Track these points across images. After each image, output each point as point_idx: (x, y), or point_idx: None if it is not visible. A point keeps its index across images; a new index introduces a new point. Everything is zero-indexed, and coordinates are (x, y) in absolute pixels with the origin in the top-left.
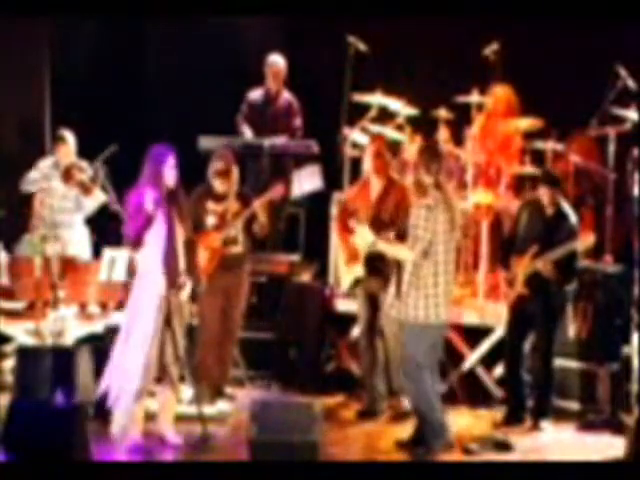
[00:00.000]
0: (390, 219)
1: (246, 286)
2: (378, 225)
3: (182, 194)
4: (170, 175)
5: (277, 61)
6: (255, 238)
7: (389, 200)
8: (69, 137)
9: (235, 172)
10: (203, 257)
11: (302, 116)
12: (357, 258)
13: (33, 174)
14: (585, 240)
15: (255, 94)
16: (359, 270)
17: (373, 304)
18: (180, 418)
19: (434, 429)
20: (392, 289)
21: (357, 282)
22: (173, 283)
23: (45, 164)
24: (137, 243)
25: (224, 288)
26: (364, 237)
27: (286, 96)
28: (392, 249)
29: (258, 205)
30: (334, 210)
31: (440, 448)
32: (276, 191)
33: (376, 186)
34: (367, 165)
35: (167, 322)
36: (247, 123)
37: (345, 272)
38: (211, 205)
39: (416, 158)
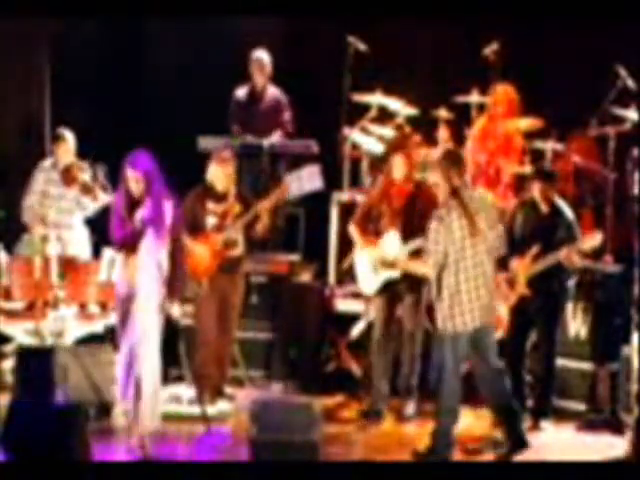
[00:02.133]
0: (422, 221)
1: (242, 287)
2: (409, 231)
3: (162, 202)
4: (132, 185)
5: (261, 56)
6: (254, 240)
7: (419, 202)
8: (68, 136)
9: (234, 170)
10: (204, 259)
11: (291, 109)
12: (392, 262)
13: (30, 200)
14: (592, 239)
15: (241, 92)
16: (394, 273)
17: (396, 305)
18: (180, 418)
19: (443, 435)
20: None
21: (387, 284)
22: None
23: (43, 167)
24: (119, 250)
25: (221, 290)
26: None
27: (272, 91)
28: (412, 266)
29: (263, 207)
30: (334, 211)
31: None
32: (280, 193)
33: (403, 188)
34: (399, 167)
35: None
36: (236, 121)
37: (372, 275)
38: (211, 205)
39: (436, 164)
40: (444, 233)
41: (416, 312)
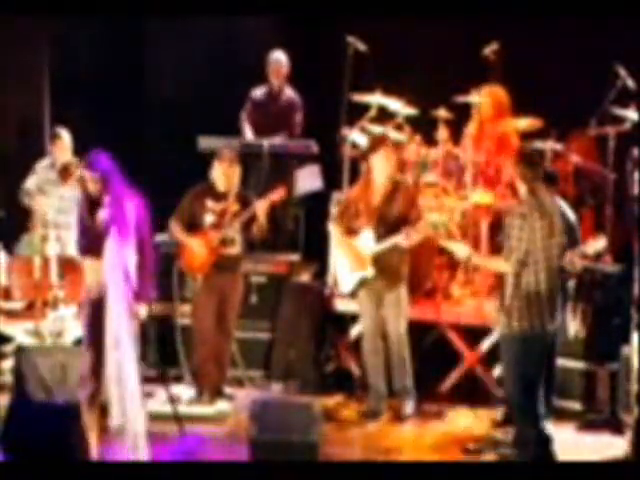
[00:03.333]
0: (397, 221)
1: (241, 287)
2: (384, 227)
3: (122, 202)
4: (90, 186)
5: (278, 58)
6: (253, 240)
7: (396, 201)
8: (64, 134)
9: (237, 171)
10: (200, 255)
11: (304, 113)
12: (364, 262)
13: (29, 183)
14: (596, 243)
15: (258, 92)
16: (367, 272)
17: (378, 305)
18: (182, 418)
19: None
20: (495, 303)
21: (361, 283)
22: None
23: (41, 167)
24: (84, 254)
25: (219, 288)
26: (459, 253)
27: (289, 93)
28: (488, 263)
29: (259, 207)
30: (333, 211)
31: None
32: (277, 193)
33: (380, 188)
34: (379, 167)
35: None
36: (251, 121)
37: (347, 274)
38: (210, 204)
39: (512, 163)
40: (527, 231)
41: (398, 312)
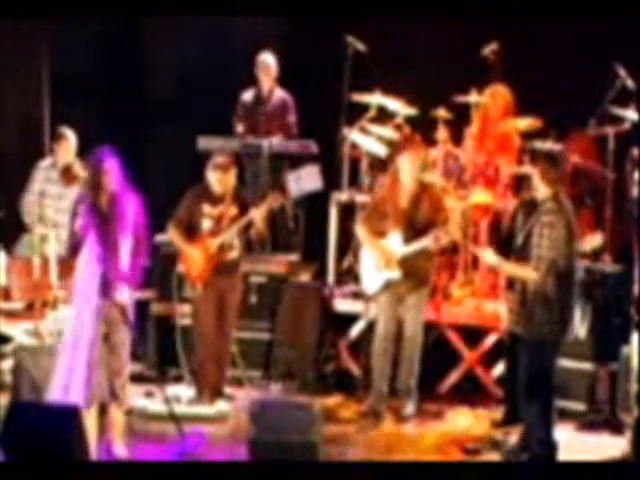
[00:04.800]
0: (425, 223)
1: (241, 288)
2: (412, 229)
3: (125, 197)
4: (107, 181)
5: (266, 60)
6: (251, 242)
7: (423, 203)
8: (70, 134)
9: (233, 175)
10: (198, 263)
11: (297, 112)
12: (393, 263)
13: (28, 203)
14: (592, 240)
15: (248, 95)
16: (396, 273)
17: (397, 306)
18: (180, 418)
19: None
20: (515, 306)
21: (387, 284)
22: (107, 294)
23: (42, 167)
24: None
25: (219, 290)
26: (489, 260)
27: (279, 94)
28: (517, 270)
29: (256, 214)
30: (333, 211)
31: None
32: (274, 200)
33: (407, 189)
34: (406, 168)
35: (103, 336)
36: (243, 124)
37: (374, 274)
38: (207, 208)
39: (535, 166)
40: (555, 240)
41: (418, 313)
